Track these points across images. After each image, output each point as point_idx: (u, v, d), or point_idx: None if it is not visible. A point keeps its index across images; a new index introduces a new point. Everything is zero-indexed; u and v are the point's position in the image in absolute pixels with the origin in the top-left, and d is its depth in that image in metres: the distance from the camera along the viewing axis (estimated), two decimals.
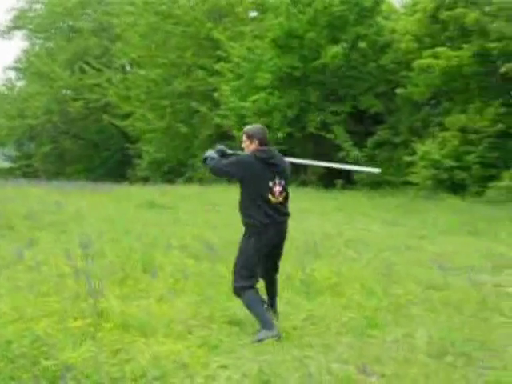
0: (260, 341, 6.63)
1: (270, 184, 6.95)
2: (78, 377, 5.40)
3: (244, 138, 7.17)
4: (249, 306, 6.97)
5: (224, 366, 5.94)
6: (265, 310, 6.99)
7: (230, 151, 7.45)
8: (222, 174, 7.30)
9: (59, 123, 52.47)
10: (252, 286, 6.97)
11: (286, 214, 7.18)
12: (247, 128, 7.27)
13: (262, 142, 7.08)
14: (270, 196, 6.94)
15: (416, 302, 8.50)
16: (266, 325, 6.81)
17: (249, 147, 7.11)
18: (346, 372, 5.77)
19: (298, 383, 5.51)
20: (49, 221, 15.49)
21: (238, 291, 6.98)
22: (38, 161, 53.16)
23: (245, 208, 7.03)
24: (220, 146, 7.48)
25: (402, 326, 7.32)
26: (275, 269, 7.45)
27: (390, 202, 23.20)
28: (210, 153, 7.30)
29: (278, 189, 7.00)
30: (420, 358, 6.21)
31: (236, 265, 7.03)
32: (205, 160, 7.27)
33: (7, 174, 50.89)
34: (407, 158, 26.93)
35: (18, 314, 6.91)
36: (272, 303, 7.45)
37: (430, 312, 8.00)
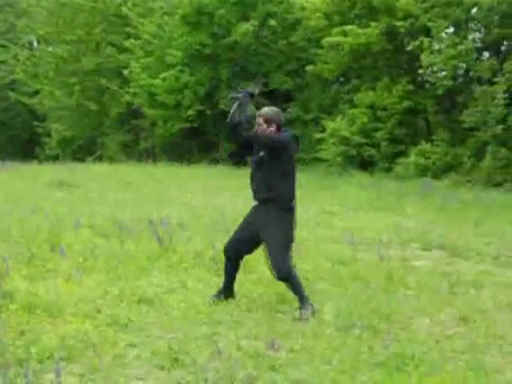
0: (306, 319, 6.69)
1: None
2: None
3: (261, 121, 7.05)
4: (298, 287, 7.01)
5: (133, 345, 5.90)
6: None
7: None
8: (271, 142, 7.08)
9: None
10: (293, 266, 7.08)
11: None
12: (264, 111, 7.14)
13: (280, 126, 7.05)
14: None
15: (325, 277, 8.60)
16: (307, 302, 6.91)
17: (265, 131, 7.01)
18: (255, 348, 5.80)
19: (208, 360, 5.51)
20: None
21: (286, 275, 6.94)
22: None
23: (280, 184, 7.00)
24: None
25: (311, 301, 7.39)
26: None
27: (301, 178, 23.04)
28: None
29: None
30: (328, 332, 6.29)
31: (276, 248, 6.96)
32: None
33: None
34: (317, 135, 27.13)
35: None
36: (234, 279, 7.47)
37: (338, 287, 8.11)
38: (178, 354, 5.58)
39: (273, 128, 7.01)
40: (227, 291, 7.39)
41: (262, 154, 6.99)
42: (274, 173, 6.97)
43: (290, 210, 7.02)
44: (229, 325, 6.54)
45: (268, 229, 6.97)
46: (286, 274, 6.90)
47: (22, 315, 6.40)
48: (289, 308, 7.17)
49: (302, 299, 6.93)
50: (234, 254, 7.32)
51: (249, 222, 7.24)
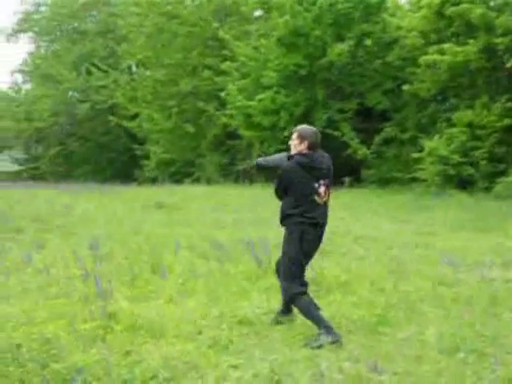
0: (318, 347, 6.52)
1: (316, 185, 6.95)
2: (89, 379, 5.40)
3: (294, 136, 7.08)
4: (307, 312, 6.88)
5: (234, 366, 5.92)
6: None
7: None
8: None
9: (66, 125, 52.56)
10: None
11: (326, 217, 7.18)
12: (300, 128, 7.16)
13: (312, 146, 7.01)
14: (316, 197, 6.95)
15: (426, 298, 8.46)
16: (324, 329, 6.73)
17: (297, 147, 7.04)
18: (357, 370, 5.74)
19: (310, 382, 5.48)
20: (57, 223, 15.52)
21: (290, 299, 6.95)
22: (46, 163, 53.10)
23: (287, 209, 7.01)
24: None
25: (412, 323, 7.28)
26: None
27: (398, 199, 23.14)
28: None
29: (322, 189, 6.98)
30: (431, 354, 6.18)
31: (283, 270, 7.02)
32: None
33: (15, 176, 51.06)
34: (415, 155, 26.84)
35: (27, 317, 6.92)
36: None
37: (440, 309, 7.95)
38: (280, 376, 5.57)
39: (304, 145, 7.00)
40: (286, 311, 7.37)
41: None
42: (286, 200, 7.08)
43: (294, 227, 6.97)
44: (330, 347, 6.49)
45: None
46: (290, 296, 6.90)
47: (126, 336, 6.51)
48: (390, 330, 7.07)
49: (318, 324, 6.77)
50: None
51: None
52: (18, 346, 5.96)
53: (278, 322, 7.27)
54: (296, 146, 7.04)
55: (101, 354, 5.86)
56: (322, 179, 6.97)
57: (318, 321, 6.77)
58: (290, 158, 7.06)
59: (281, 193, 7.05)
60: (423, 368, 5.80)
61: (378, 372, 5.67)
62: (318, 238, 7.09)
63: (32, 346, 5.97)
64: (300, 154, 6.98)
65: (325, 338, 6.60)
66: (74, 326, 6.69)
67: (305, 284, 6.96)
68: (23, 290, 8.41)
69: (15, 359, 5.74)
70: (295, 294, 6.85)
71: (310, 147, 6.99)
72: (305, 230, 6.91)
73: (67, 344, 6.08)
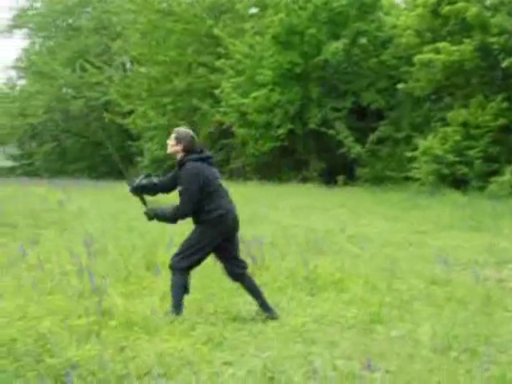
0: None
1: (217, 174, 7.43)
2: (83, 375, 5.39)
3: (172, 136, 7.43)
4: (176, 288, 7.27)
5: (228, 363, 5.93)
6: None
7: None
8: (190, 208, 7.27)
9: (60, 121, 52.40)
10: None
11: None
12: (178, 129, 7.52)
13: (186, 149, 7.32)
14: (222, 186, 7.41)
15: (420, 297, 8.50)
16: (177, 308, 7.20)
17: (173, 147, 7.40)
18: (351, 368, 5.75)
19: (303, 379, 5.49)
20: (51, 219, 15.51)
21: (173, 267, 7.31)
22: (40, 159, 53.03)
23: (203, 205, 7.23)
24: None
25: (406, 322, 7.32)
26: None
27: (393, 197, 23.15)
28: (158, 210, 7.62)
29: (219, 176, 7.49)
30: (424, 353, 6.20)
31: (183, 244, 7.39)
32: (168, 218, 7.49)
33: (9, 173, 50.84)
34: (409, 154, 26.87)
35: (22, 313, 6.91)
36: (261, 302, 7.47)
37: (433, 307, 7.99)
38: (273, 373, 5.57)
39: (179, 147, 7.35)
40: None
41: (179, 188, 7.32)
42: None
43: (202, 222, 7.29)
44: (323, 344, 6.51)
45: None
46: (174, 265, 7.28)
47: (120, 332, 6.51)
48: (383, 328, 7.09)
49: (175, 303, 7.19)
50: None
51: None
52: (13, 341, 5.97)
53: (271, 319, 7.29)
54: (172, 145, 7.42)
55: (95, 349, 5.86)
56: (215, 168, 7.47)
57: (178, 302, 7.20)
58: (180, 164, 7.37)
59: (195, 203, 7.21)
60: (416, 366, 5.81)
61: (371, 370, 5.67)
62: (229, 227, 7.35)
63: (27, 341, 5.98)
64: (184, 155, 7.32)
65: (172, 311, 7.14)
66: (69, 321, 6.68)
67: (192, 266, 7.35)
68: (18, 285, 8.41)
69: (10, 354, 5.75)
70: (182, 267, 7.23)
71: (184, 149, 7.34)
72: (220, 225, 7.26)
73: (62, 339, 6.08)
